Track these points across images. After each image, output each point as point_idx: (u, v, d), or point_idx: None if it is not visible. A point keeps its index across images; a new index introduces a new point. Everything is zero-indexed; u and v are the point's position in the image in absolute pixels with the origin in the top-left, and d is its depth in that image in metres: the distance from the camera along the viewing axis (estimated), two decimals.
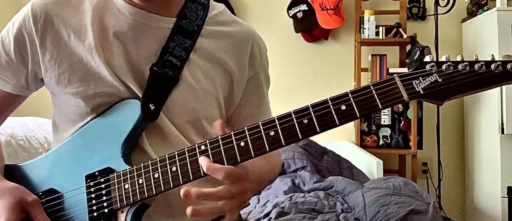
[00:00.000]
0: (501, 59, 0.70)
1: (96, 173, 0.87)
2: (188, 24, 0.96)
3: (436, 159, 3.10)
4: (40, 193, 0.90)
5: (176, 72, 0.92)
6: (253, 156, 0.76)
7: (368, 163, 2.69)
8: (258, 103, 1.05)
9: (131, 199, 0.82)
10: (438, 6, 3.03)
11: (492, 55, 0.71)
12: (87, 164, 0.89)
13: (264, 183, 0.97)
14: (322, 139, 2.70)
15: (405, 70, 2.94)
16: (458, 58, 0.72)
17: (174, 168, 0.79)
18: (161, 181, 0.80)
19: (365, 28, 2.99)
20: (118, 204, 0.83)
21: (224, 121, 1.02)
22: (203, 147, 0.78)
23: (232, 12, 1.30)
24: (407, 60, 2.97)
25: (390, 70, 2.98)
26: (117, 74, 0.90)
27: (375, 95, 0.72)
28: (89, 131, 0.92)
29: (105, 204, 0.84)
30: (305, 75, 3.28)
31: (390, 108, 2.98)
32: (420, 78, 0.71)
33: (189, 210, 0.75)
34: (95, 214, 0.85)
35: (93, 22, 0.92)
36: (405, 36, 2.97)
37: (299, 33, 3.26)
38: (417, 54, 2.86)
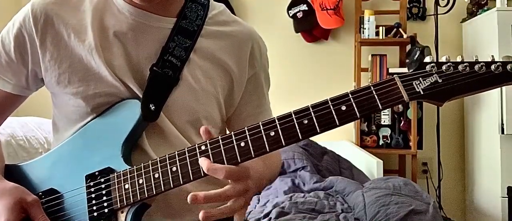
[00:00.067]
0: (501, 60, 0.70)
1: (96, 173, 0.87)
2: (188, 24, 0.96)
3: (436, 159, 3.10)
4: (40, 193, 0.90)
5: (176, 72, 0.92)
6: (253, 156, 0.76)
7: (368, 163, 2.69)
8: (258, 103, 1.05)
9: (131, 199, 0.82)
10: (438, 6, 3.03)
11: (492, 56, 0.71)
12: (87, 164, 0.89)
13: (264, 182, 0.97)
14: (322, 139, 2.70)
15: (405, 70, 2.94)
16: (458, 59, 0.72)
17: (174, 168, 0.79)
18: (161, 181, 0.80)
19: (365, 28, 2.99)
20: (118, 204, 0.83)
21: (223, 121, 1.02)
22: (203, 147, 0.78)
23: (232, 12, 1.30)
24: (407, 60, 2.97)
25: (390, 70, 2.98)
26: (117, 74, 0.90)
27: (375, 95, 0.72)
28: (89, 131, 0.92)
29: (105, 204, 0.84)
30: (305, 75, 3.28)
31: (390, 108, 2.98)
32: (420, 78, 0.71)
33: (201, 214, 0.74)
34: (95, 214, 0.85)
35: (93, 22, 0.92)
36: (405, 36, 2.97)
37: (299, 33, 3.26)
38: (417, 54, 2.86)
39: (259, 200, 2.15)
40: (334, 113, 0.73)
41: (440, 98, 0.70)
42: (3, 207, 0.84)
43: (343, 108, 0.73)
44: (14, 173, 0.96)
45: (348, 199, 2.07)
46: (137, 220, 0.83)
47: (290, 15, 3.21)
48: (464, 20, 3.17)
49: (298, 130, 0.74)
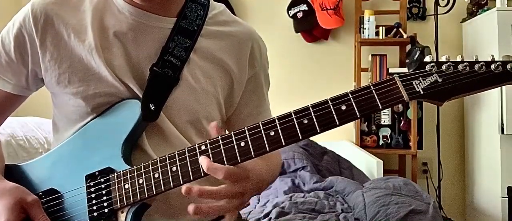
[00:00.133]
0: (501, 60, 0.70)
1: (96, 173, 0.87)
2: (188, 24, 0.96)
3: (436, 159, 3.10)
4: (40, 193, 0.90)
5: (176, 72, 0.92)
6: (253, 156, 0.76)
7: (368, 163, 2.69)
8: (258, 103, 1.05)
9: (131, 199, 0.82)
10: (438, 6, 3.03)
11: (492, 56, 0.71)
12: (87, 164, 0.89)
13: (264, 184, 0.97)
14: (322, 139, 2.70)
15: (405, 70, 2.94)
16: (458, 58, 0.72)
17: (174, 168, 0.79)
18: (161, 181, 0.80)
19: (365, 28, 2.99)
20: (118, 204, 0.83)
21: (222, 121, 1.02)
22: (203, 147, 0.78)
23: (232, 12, 1.30)
24: (407, 60, 2.97)
25: (390, 70, 2.98)
26: (117, 74, 0.90)
27: (375, 95, 0.72)
28: (89, 131, 0.92)
29: (105, 204, 0.84)
30: (305, 75, 3.28)
31: (390, 108, 2.98)
32: (420, 78, 0.71)
33: (191, 207, 0.75)
34: (95, 214, 0.85)
35: (93, 22, 0.92)
36: (405, 36, 2.97)
37: (299, 33, 3.26)
38: (417, 54, 2.86)
39: (259, 200, 2.15)
40: (334, 113, 0.73)
41: (440, 98, 0.70)
42: (3, 207, 0.84)
43: (343, 107, 0.73)
44: (14, 173, 0.96)
45: (348, 199, 2.07)
46: (137, 220, 0.83)
47: (290, 15, 3.21)
48: (464, 20, 3.17)
49: (298, 130, 0.74)
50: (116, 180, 0.85)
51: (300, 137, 0.74)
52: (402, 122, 3.00)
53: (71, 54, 0.91)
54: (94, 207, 0.85)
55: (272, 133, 0.75)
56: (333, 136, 2.60)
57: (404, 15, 3.08)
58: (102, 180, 0.86)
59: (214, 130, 0.79)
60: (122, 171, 0.85)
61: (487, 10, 2.91)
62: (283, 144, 0.75)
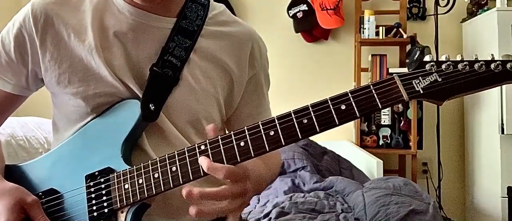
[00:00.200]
0: (501, 59, 0.70)
1: (96, 173, 0.87)
2: (188, 24, 0.96)
3: (436, 159, 3.10)
4: (40, 193, 0.90)
5: (176, 72, 0.92)
6: (253, 156, 0.76)
7: (368, 163, 2.69)
8: (258, 103, 1.05)
9: (131, 199, 0.82)
10: (438, 6, 3.03)
11: (492, 55, 0.71)
12: (87, 164, 0.89)
13: (264, 184, 0.97)
14: (322, 139, 2.70)
15: (405, 70, 2.94)
16: (458, 58, 0.72)
17: (174, 168, 0.79)
18: (161, 181, 0.80)
19: (365, 28, 2.99)
20: (118, 204, 0.83)
21: (222, 122, 1.02)
22: (203, 147, 0.78)
23: (232, 12, 1.30)
24: (407, 60, 2.97)
25: (390, 70, 2.98)
26: (117, 74, 0.90)
27: (375, 94, 0.72)
28: (89, 131, 0.92)
29: (105, 204, 0.84)
30: (305, 75, 3.28)
31: (390, 108, 2.98)
32: (420, 77, 0.71)
33: (193, 210, 0.74)
34: (95, 214, 0.85)
35: (93, 22, 0.92)
36: (405, 36, 2.97)
37: (299, 33, 3.27)
38: (417, 54, 2.86)
39: (259, 200, 2.15)
40: (333, 113, 0.73)
41: (439, 97, 0.70)
42: (3, 208, 0.84)
43: (343, 107, 0.73)
44: (14, 173, 0.96)
45: (348, 199, 2.07)
46: (137, 220, 0.83)
47: (290, 15, 3.22)
48: (464, 20, 3.17)
49: (297, 130, 0.74)
50: (116, 180, 0.85)
51: (300, 137, 0.74)
52: (402, 122, 3.00)
53: (71, 54, 0.91)
54: (94, 207, 0.85)
55: (272, 133, 0.75)
56: (333, 136, 2.60)
57: (404, 15, 3.08)
58: (102, 180, 0.86)
59: (211, 132, 0.79)
60: (122, 171, 0.85)
61: (487, 10, 2.91)
62: (283, 144, 0.75)
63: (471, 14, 3.09)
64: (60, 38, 0.92)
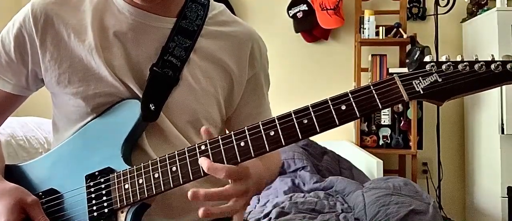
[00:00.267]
0: (501, 59, 0.70)
1: (96, 173, 0.87)
2: (188, 24, 0.96)
3: (436, 159, 3.10)
4: (40, 193, 0.90)
5: (176, 72, 0.92)
6: (253, 156, 0.76)
7: (368, 163, 2.69)
8: (258, 103, 1.05)
9: (131, 199, 0.82)
10: (438, 6, 3.03)
11: (492, 55, 0.71)
12: (87, 164, 0.89)
13: (263, 183, 0.97)
14: (322, 139, 2.70)
15: (405, 70, 2.94)
16: (458, 58, 0.72)
17: (174, 168, 0.79)
18: (161, 181, 0.80)
19: (365, 28, 2.99)
20: (118, 204, 0.83)
21: (222, 122, 1.02)
22: (203, 147, 0.78)
23: (232, 12, 1.30)
24: (407, 60, 2.97)
25: (390, 70, 2.98)
26: (117, 74, 0.90)
27: (375, 95, 0.72)
28: (89, 131, 0.92)
29: (105, 204, 0.84)
30: (305, 75, 3.28)
31: (390, 108, 2.98)
32: (420, 78, 0.71)
33: (201, 211, 0.74)
34: (95, 214, 0.85)
35: (93, 22, 0.92)
36: (405, 36, 2.97)
37: (299, 33, 3.26)
38: (417, 54, 2.86)
39: (259, 200, 2.15)
40: (334, 113, 0.73)
41: (440, 98, 0.70)
42: (3, 208, 0.84)
43: (343, 107, 0.73)
44: (14, 173, 0.96)
45: (348, 199, 2.07)
46: (137, 220, 0.83)
47: (290, 15, 3.22)
48: (464, 20, 3.17)
49: (297, 130, 0.74)
50: (116, 180, 0.85)
51: (300, 137, 0.74)
52: (402, 122, 3.00)
53: (71, 54, 0.91)
54: (94, 207, 0.85)
55: (272, 133, 0.75)
56: (333, 136, 2.60)
57: (404, 15, 3.08)
58: (102, 180, 0.86)
59: (204, 136, 0.79)
60: (122, 171, 0.85)
61: (487, 10, 2.91)
62: (283, 144, 0.75)
63: (471, 14, 3.09)
64: (60, 38, 0.92)
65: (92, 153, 0.89)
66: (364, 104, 0.72)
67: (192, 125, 0.95)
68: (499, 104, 2.73)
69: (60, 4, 0.93)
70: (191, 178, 0.78)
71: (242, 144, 0.76)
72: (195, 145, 0.79)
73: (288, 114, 0.75)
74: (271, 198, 2.13)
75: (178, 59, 0.92)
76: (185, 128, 0.94)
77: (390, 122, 3.03)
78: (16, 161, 1.04)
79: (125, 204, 0.83)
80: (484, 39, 2.89)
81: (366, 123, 3.06)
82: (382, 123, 3.05)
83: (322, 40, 3.27)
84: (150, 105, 0.89)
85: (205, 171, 0.76)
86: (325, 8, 3.04)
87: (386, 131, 3.04)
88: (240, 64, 1.00)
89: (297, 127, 0.74)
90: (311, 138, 2.38)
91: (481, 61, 0.69)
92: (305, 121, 0.74)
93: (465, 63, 0.70)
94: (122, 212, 0.84)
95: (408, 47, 3.02)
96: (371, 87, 0.73)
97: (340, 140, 3.03)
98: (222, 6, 1.05)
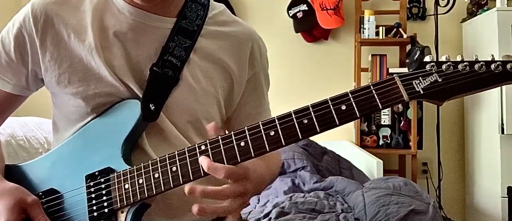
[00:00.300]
0: (501, 59, 0.70)
1: (96, 173, 0.87)
2: (188, 24, 0.96)
3: (436, 159, 3.10)
4: (40, 193, 0.90)
5: (176, 72, 0.92)
6: (253, 156, 0.76)
7: (368, 163, 2.69)
8: (258, 103, 1.05)
9: (131, 199, 0.82)
10: (438, 6, 3.03)
11: (492, 55, 0.71)
12: (87, 164, 0.89)
13: (264, 184, 0.97)
14: (322, 139, 2.70)
15: (405, 70, 2.94)
16: (458, 58, 0.72)
17: (174, 168, 0.79)
18: (161, 181, 0.80)
19: (365, 28, 2.99)
20: (118, 204, 0.83)
21: (222, 122, 1.02)
22: (203, 147, 0.78)
23: (232, 12, 1.30)
24: (407, 60, 2.97)
25: (390, 70, 2.98)
26: (117, 74, 0.90)
27: (375, 95, 0.72)
28: (89, 131, 0.92)
29: (105, 204, 0.84)
30: (305, 75, 3.28)
31: (390, 108, 2.98)
32: (420, 78, 0.71)
33: (195, 207, 0.74)
34: (95, 214, 0.85)
35: (93, 22, 0.92)
36: (405, 36, 2.97)
37: (299, 33, 3.27)
38: (417, 54, 2.86)
39: (259, 200, 2.15)
40: (334, 113, 0.73)
41: (440, 98, 0.70)
42: (3, 208, 0.84)
43: (343, 107, 0.73)
44: (14, 173, 0.96)
45: (348, 199, 2.07)
46: (137, 220, 0.83)
47: (290, 15, 3.22)
48: (464, 20, 3.17)
49: (298, 130, 0.74)
50: (116, 180, 0.85)
51: (300, 137, 0.74)
52: (402, 122, 3.00)
53: (71, 54, 0.91)
54: (94, 207, 0.85)
55: (272, 133, 0.75)
56: (333, 136, 2.60)
57: (404, 15, 3.08)
58: (102, 180, 0.86)
59: (211, 131, 0.79)
60: (122, 171, 0.85)
61: (487, 10, 2.91)
62: (283, 144, 0.75)
63: (471, 14, 3.09)
64: (60, 38, 0.92)
65: (92, 153, 0.89)
66: (364, 104, 0.72)
67: (192, 125, 0.95)
68: (499, 104, 2.73)
69: (60, 4, 0.93)
70: (191, 178, 0.78)
71: (242, 144, 0.76)
72: (195, 145, 0.79)
73: (288, 114, 0.75)
74: (271, 198, 2.13)
75: (178, 59, 0.92)
76: (185, 128, 0.94)
77: (390, 122, 3.03)
78: (16, 161, 1.04)
79: (125, 204, 0.83)
80: (484, 39, 2.89)
81: (366, 123, 3.06)
82: (382, 123, 3.05)
83: (322, 40, 3.27)
84: (150, 105, 0.89)
85: (205, 170, 0.76)
86: (325, 8, 3.04)
87: (386, 131, 3.04)
88: (240, 64, 1.00)
89: (297, 127, 0.74)
90: (311, 138, 2.39)
91: (481, 61, 0.69)
92: (305, 121, 0.74)
93: (465, 63, 0.70)
94: (122, 212, 0.84)
95: (408, 47, 3.02)
96: (371, 87, 0.73)
97: (340, 140, 3.03)
98: (222, 6, 1.05)
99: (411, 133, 2.95)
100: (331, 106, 0.73)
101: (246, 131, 0.76)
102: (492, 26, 2.74)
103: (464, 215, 3.24)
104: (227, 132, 0.80)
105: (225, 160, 0.76)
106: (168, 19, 0.95)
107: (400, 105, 2.96)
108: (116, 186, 0.84)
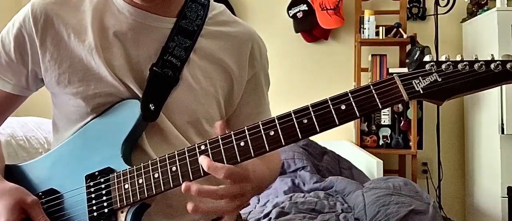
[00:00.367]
0: (500, 59, 0.70)
1: (96, 173, 0.87)
2: (188, 24, 0.96)
3: (436, 159, 3.10)
4: (40, 193, 0.91)
5: (176, 72, 0.92)
6: (253, 156, 0.76)
7: (368, 163, 2.69)
8: (258, 103, 1.05)
9: (131, 199, 0.82)
10: (438, 6, 3.03)
11: (492, 55, 0.71)
12: (87, 164, 0.89)
13: (264, 185, 0.97)
14: (322, 139, 2.70)
15: (405, 70, 2.94)
16: (458, 58, 0.72)
17: (174, 168, 0.79)
18: (161, 181, 0.80)
19: (365, 28, 2.99)
20: (118, 204, 0.83)
21: (224, 121, 1.02)
22: (203, 147, 0.78)
23: (232, 12, 1.30)
24: (407, 60, 2.97)
25: (390, 70, 2.98)
26: (117, 74, 0.90)
27: (375, 95, 0.72)
28: (89, 131, 0.92)
29: (105, 204, 0.84)
30: (305, 75, 3.28)
31: (390, 108, 2.98)
32: (420, 77, 0.71)
33: (189, 205, 0.74)
34: (95, 214, 0.85)
35: (93, 22, 0.92)
36: (405, 36, 2.97)
37: (299, 33, 3.27)
38: (417, 54, 2.86)
39: (259, 200, 2.15)
40: (333, 113, 0.73)
41: (440, 97, 0.70)
42: (3, 208, 0.84)
43: (343, 107, 0.73)
44: (14, 173, 0.96)
45: (348, 199, 2.07)
46: (137, 220, 0.83)
47: (290, 15, 3.22)
48: (464, 20, 3.17)
49: (297, 130, 0.74)
50: (116, 180, 0.85)
51: (300, 137, 0.74)
52: (402, 122, 3.00)
53: (71, 54, 0.91)
54: (94, 207, 0.85)
55: (272, 133, 0.75)
56: (333, 136, 2.60)
57: (404, 15, 3.08)
58: (102, 180, 0.86)
59: (218, 130, 0.79)
60: (122, 171, 0.85)
61: (487, 10, 2.91)
62: (283, 143, 0.75)
63: (471, 14, 3.09)
64: (60, 38, 0.92)
65: (92, 153, 0.90)
66: (364, 104, 0.72)
67: (192, 125, 0.95)
68: (499, 104, 2.73)
69: (60, 4, 0.93)
70: (191, 178, 0.78)
71: (242, 144, 0.76)
72: (195, 145, 0.79)
73: (288, 114, 0.75)
74: (271, 198, 2.13)
75: (178, 59, 0.92)
76: (185, 128, 0.94)
77: (390, 122, 3.03)
78: (16, 161, 1.04)
79: (125, 204, 0.83)
80: (484, 39, 2.89)
81: (366, 123, 3.06)
82: (382, 123, 3.05)
83: (322, 40, 3.27)
84: (150, 105, 0.89)
85: (205, 170, 0.76)
86: (325, 8, 3.04)
87: (386, 131, 3.04)
88: (240, 64, 1.00)
89: (297, 127, 0.74)
90: (311, 138, 2.39)
91: (481, 61, 0.69)
92: (305, 121, 0.74)
93: (464, 63, 0.70)
94: (122, 212, 0.84)
95: (408, 47, 3.02)
96: (371, 87, 0.73)
97: (340, 140, 3.03)
98: (222, 6, 1.05)
99: (411, 133, 2.95)
100: (331, 106, 0.73)
101: (246, 131, 0.76)
102: (492, 26, 2.74)
103: (464, 215, 3.24)
104: (227, 132, 0.80)
105: (225, 160, 0.76)
106: (168, 19, 0.95)
107: (400, 105, 2.96)
108: (116, 186, 0.84)
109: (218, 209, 0.78)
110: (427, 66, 0.71)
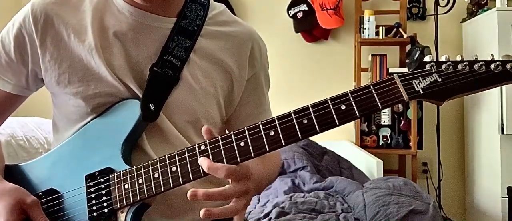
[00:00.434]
0: (500, 59, 0.70)
1: (96, 173, 0.87)
2: (188, 24, 0.96)
3: (436, 159, 3.10)
4: (40, 193, 0.91)
5: (176, 72, 0.92)
6: (253, 156, 0.76)
7: (368, 163, 2.69)
8: (258, 103, 1.05)
9: (131, 199, 0.82)
10: (438, 6, 3.03)
11: (492, 55, 0.71)
12: (87, 164, 0.89)
13: (263, 184, 0.97)
14: (322, 139, 2.70)
15: (405, 70, 2.94)
16: (458, 58, 0.72)
17: (174, 168, 0.79)
18: (161, 181, 0.80)
19: (365, 28, 2.99)
20: (118, 204, 0.83)
21: (222, 122, 1.02)
22: (203, 147, 0.78)
23: (232, 12, 1.30)
24: (407, 60, 2.97)
25: (390, 70, 2.98)
26: (117, 74, 0.90)
27: (375, 95, 0.72)
28: (89, 131, 0.92)
29: (105, 204, 0.84)
30: (305, 75, 3.28)
31: (390, 108, 2.98)
32: (420, 78, 0.71)
33: (202, 211, 0.74)
34: (95, 214, 0.85)
35: (93, 22, 0.92)
36: (405, 36, 2.97)
37: (299, 33, 3.26)
38: (417, 54, 2.86)
39: (259, 200, 2.15)
40: (333, 113, 0.73)
41: (439, 97, 0.70)
42: (2, 208, 0.84)
43: (343, 107, 0.73)
44: (14, 173, 0.96)
45: (348, 199, 2.07)
46: (137, 220, 0.83)
47: (290, 15, 3.22)
48: (464, 20, 3.17)
49: (297, 130, 0.74)
50: (116, 180, 0.85)
51: (300, 137, 0.74)
52: (402, 122, 3.00)
53: (71, 54, 0.91)
54: (94, 207, 0.85)
55: (272, 133, 0.75)
56: (333, 136, 2.60)
57: (404, 15, 3.08)
58: (102, 180, 0.86)
59: (206, 135, 0.79)
60: (122, 171, 0.85)
61: (487, 10, 2.91)
62: (283, 144, 0.75)
63: (471, 14, 3.09)
64: (60, 38, 0.92)
65: (92, 153, 0.90)
66: (364, 104, 0.72)
67: (192, 125, 0.95)
68: (499, 104, 2.73)
69: (60, 4, 0.93)
70: (191, 178, 0.78)
71: (242, 144, 0.76)
72: (195, 145, 0.79)
73: (288, 114, 0.75)
74: (271, 198, 2.13)
75: (178, 59, 0.92)
76: (185, 128, 0.94)
77: (390, 122, 3.03)
78: (16, 161, 1.04)
79: (125, 204, 0.83)
80: (484, 39, 2.89)
81: (366, 123, 3.06)
82: (382, 123, 3.05)
83: (322, 40, 3.27)
84: (150, 105, 0.89)
85: (205, 170, 0.76)
86: (325, 8, 3.04)
87: (386, 131, 3.04)
88: (240, 64, 1.00)
89: (297, 127, 0.74)
90: (311, 138, 2.39)
91: (481, 61, 0.69)
92: (305, 121, 0.74)
93: (465, 63, 0.70)
94: (122, 212, 0.84)
95: (408, 47, 3.02)
96: (371, 87, 0.73)
97: (340, 140, 3.03)
98: (222, 6, 1.05)
99: (411, 133, 2.95)
100: (330, 106, 0.73)
101: (246, 131, 0.76)
102: (492, 26, 2.74)
103: (464, 215, 3.24)
104: (227, 132, 0.80)
105: (225, 160, 0.76)
106: (168, 19, 0.95)
107: (400, 105, 2.96)
108: (116, 186, 0.84)
109: (229, 210, 0.78)
110: (427, 66, 0.71)
